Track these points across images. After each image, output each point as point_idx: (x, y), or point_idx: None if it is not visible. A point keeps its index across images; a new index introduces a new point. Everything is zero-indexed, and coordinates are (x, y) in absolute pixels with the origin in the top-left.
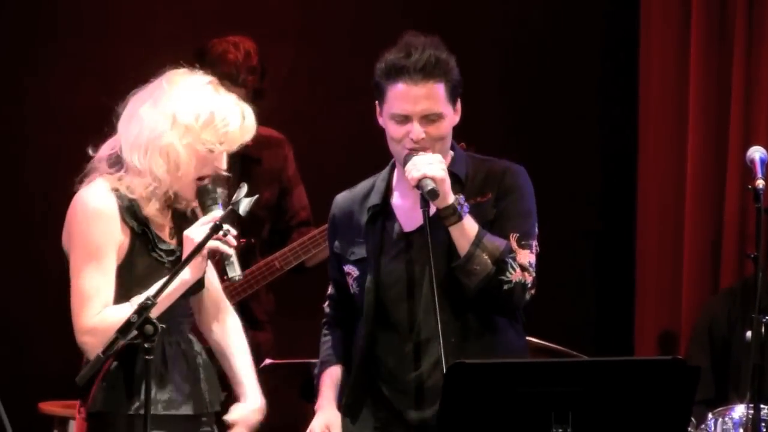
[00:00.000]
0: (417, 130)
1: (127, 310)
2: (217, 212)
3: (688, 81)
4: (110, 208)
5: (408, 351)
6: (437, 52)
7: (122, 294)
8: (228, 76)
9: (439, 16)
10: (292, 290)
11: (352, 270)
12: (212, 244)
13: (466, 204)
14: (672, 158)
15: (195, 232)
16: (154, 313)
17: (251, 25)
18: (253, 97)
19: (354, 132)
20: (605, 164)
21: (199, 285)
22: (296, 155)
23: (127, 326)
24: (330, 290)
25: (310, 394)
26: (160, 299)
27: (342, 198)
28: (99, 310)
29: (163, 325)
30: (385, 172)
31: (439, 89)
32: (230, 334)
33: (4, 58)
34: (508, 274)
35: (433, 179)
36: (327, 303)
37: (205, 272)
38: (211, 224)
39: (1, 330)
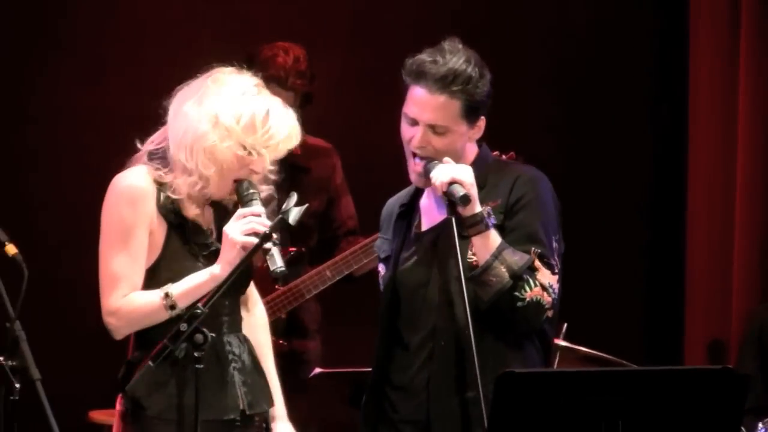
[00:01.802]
0: (418, 137)
1: (153, 296)
2: (257, 207)
3: (738, 85)
4: (145, 191)
5: (419, 354)
6: (463, 67)
7: (155, 285)
8: (276, 79)
9: (488, 21)
10: (339, 299)
11: (381, 268)
12: (247, 239)
13: (493, 216)
14: (722, 166)
15: (232, 228)
16: (182, 306)
17: (301, 33)
18: (302, 101)
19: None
20: (654, 172)
21: (241, 284)
22: (345, 164)
23: (176, 335)
24: None
25: (359, 403)
26: (185, 291)
27: (390, 199)
28: (126, 292)
29: (213, 334)
30: None
31: (452, 104)
32: (258, 330)
33: (16, 58)
34: (523, 291)
35: (462, 184)
36: None
37: (246, 270)
38: (247, 219)
39: (51, 339)
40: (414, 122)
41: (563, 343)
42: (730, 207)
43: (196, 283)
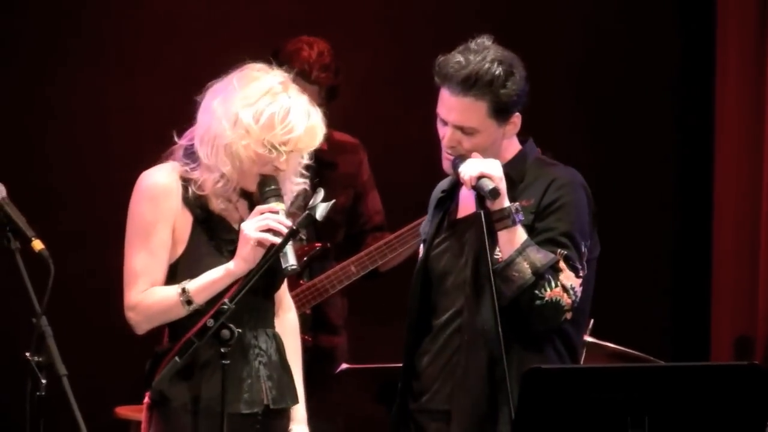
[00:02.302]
0: (448, 137)
1: (171, 291)
2: (274, 204)
3: (765, 82)
4: (167, 188)
5: (436, 341)
6: (486, 67)
7: (179, 279)
8: (300, 73)
9: (516, 20)
10: (365, 295)
11: (420, 250)
12: (261, 235)
13: (521, 212)
14: (748, 162)
15: (247, 224)
16: (199, 301)
17: (327, 29)
18: (327, 95)
19: (430, 136)
20: (681, 168)
21: (270, 283)
22: (372, 159)
23: (203, 331)
24: None
25: (386, 399)
26: (201, 286)
27: (441, 182)
28: (145, 288)
29: (239, 330)
30: None
31: (478, 105)
32: (287, 333)
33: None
34: (543, 290)
35: (491, 178)
36: None
37: (273, 269)
38: (263, 216)
39: (77, 335)
40: (444, 122)
41: (590, 339)
42: (756, 204)
43: (212, 278)
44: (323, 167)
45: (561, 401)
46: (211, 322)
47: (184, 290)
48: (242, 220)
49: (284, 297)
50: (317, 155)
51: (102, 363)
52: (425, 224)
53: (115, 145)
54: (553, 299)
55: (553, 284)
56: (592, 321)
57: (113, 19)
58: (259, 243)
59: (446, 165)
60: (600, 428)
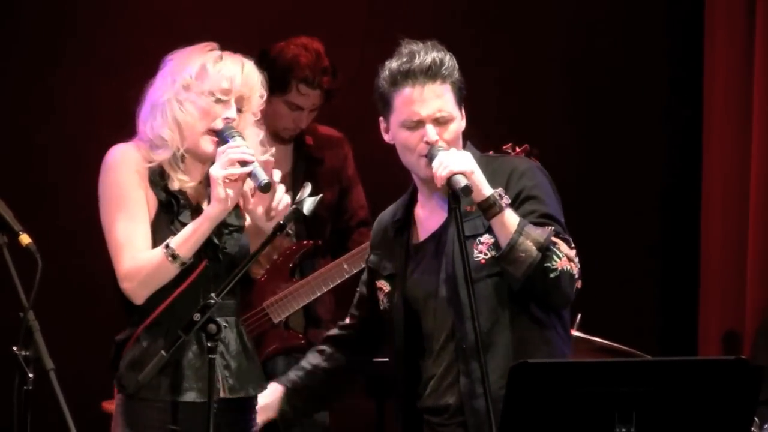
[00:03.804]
0: (431, 131)
1: (155, 251)
2: (235, 140)
3: (753, 76)
4: (134, 159)
5: (446, 365)
6: (440, 55)
7: None
8: (304, 80)
9: (504, 18)
10: (353, 289)
11: (383, 285)
12: (229, 171)
13: (506, 196)
14: (736, 159)
15: (213, 167)
16: (184, 254)
17: (314, 26)
18: (326, 97)
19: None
20: (669, 165)
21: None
22: (359, 156)
23: (189, 325)
24: (353, 304)
25: (373, 392)
26: (183, 238)
27: (382, 214)
28: (132, 255)
29: (226, 324)
30: (410, 188)
31: (447, 90)
32: None
33: (35, 53)
34: (553, 262)
35: (463, 174)
36: (347, 317)
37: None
38: (225, 153)
39: (63, 329)
40: (417, 124)
41: (577, 334)
42: (744, 200)
43: (192, 228)
44: (311, 163)
45: (548, 396)
46: (197, 316)
47: (167, 246)
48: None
49: None
50: (305, 151)
51: (89, 357)
52: (377, 258)
53: (105, 143)
54: (565, 269)
55: (559, 255)
56: (579, 315)
57: (109, 19)
58: (228, 178)
59: (426, 171)
60: (587, 423)
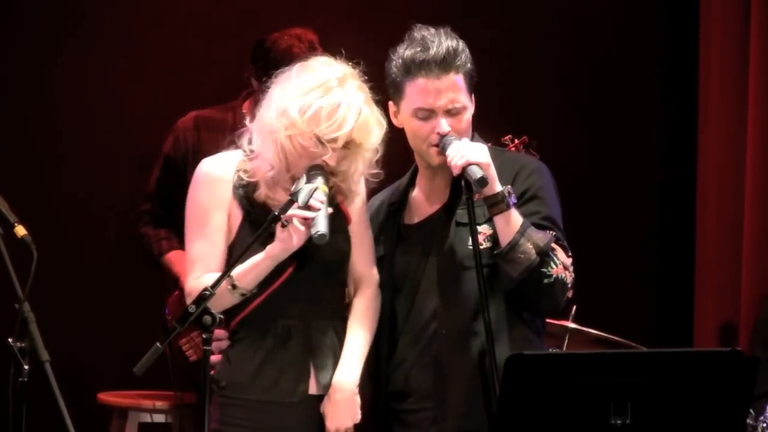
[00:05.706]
0: (444, 123)
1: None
2: (312, 183)
3: (748, 70)
4: (220, 174)
5: (426, 352)
6: (454, 43)
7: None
8: None
9: (499, 11)
10: None
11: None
12: (291, 212)
13: (513, 195)
14: (731, 152)
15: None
16: (244, 286)
17: (307, 17)
18: None
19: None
20: (665, 156)
21: (318, 272)
22: None
23: (184, 316)
24: None
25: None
26: (243, 271)
27: (374, 198)
28: (199, 275)
29: (222, 316)
30: (410, 171)
31: (460, 81)
32: (353, 313)
33: (35, 49)
34: (550, 268)
35: (479, 165)
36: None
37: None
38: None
39: (60, 321)
40: (429, 114)
41: (573, 326)
42: (740, 190)
43: (253, 262)
44: None
45: (544, 387)
46: (192, 308)
47: (229, 275)
48: None
49: (362, 278)
50: None
51: (85, 349)
52: None
53: (99, 135)
54: (560, 276)
55: (556, 262)
56: (575, 307)
57: (105, 10)
58: (291, 219)
59: (438, 159)
60: (583, 414)
